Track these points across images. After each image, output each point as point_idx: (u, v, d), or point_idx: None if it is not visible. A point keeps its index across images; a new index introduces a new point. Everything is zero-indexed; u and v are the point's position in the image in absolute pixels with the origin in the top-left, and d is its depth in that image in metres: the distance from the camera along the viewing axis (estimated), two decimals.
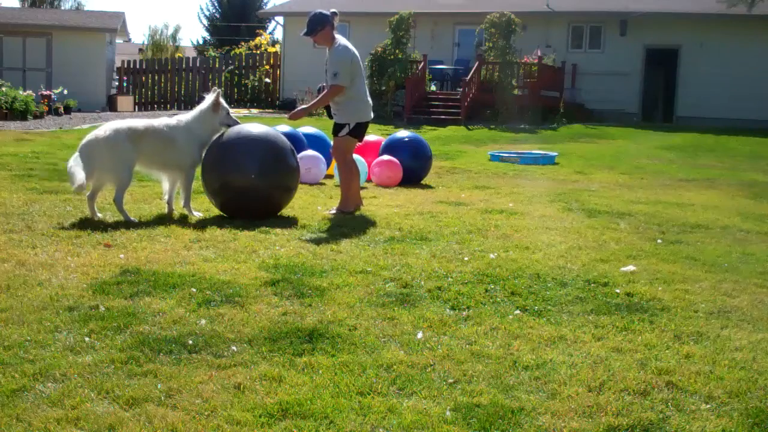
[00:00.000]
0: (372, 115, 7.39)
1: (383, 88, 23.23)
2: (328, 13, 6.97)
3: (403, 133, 10.41)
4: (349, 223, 6.74)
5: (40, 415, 2.90)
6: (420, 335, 3.92)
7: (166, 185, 6.92)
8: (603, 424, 3.01)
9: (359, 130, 7.24)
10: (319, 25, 6.93)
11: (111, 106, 25.42)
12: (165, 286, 4.48)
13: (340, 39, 7.07)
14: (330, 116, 7.43)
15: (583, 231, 6.79)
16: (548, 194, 9.24)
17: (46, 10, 38.77)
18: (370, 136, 10.97)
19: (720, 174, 12.59)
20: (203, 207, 7.10)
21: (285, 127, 10.08)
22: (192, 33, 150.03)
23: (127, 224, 6.23)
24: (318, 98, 7.29)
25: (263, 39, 32.75)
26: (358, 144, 7.55)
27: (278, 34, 35.99)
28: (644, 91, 25.39)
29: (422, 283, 4.83)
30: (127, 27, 29.83)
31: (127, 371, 3.32)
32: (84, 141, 6.49)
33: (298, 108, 7.43)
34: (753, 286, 5.11)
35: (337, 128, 7.24)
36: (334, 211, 7.20)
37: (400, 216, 7.12)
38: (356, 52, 7.12)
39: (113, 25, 27.03)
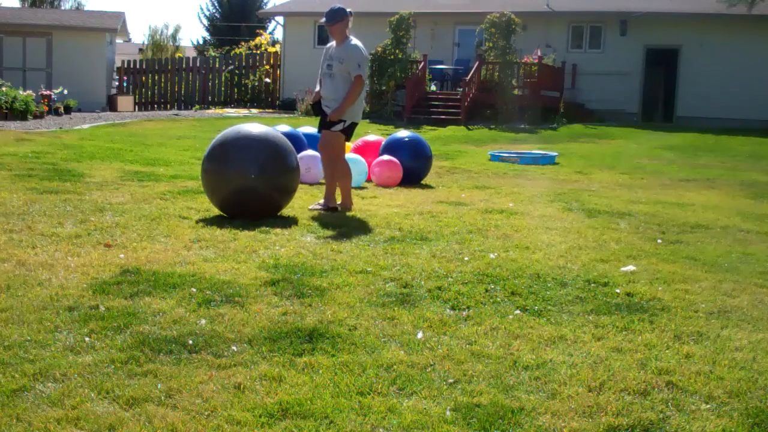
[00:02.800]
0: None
1: (383, 88, 23.24)
2: (348, 10, 7.23)
3: (403, 133, 10.40)
4: (349, 223, 6.74)
5: (40, 415, 2.90)
6: (420, 335, 3.92)
7: None
8: (603, 424, 3.01)
9: (351, 130, 7.38)
10: (339, 17, 7.15)
11: (111, 106, 25.43)
12: (165, 286, 4.48)
13: (355, 39, 7.26)
14: (317, 113, 7.43)
15: (583, 231, 6.79)
16: (548, 194, 9.24)
17: (46, 10, 38.77)
18: (370, 136, 10.99)
19: (720, 174, 12.59)
20: (203, 207, 7.10)
21: (285, 127, 10.10)
22: (192, 33, 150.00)
23: (127, 224, 6.22)
24: (348, 93, 7.11)
25: (263, 39, 32.74)
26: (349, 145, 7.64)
27: (278, 34, 36.01)
28: (644, 91, 25.38)
29: (422, 283, 4.83)
30: (127, 27, 29.84)
31: (127, 371, 3.32)
32: None
33: (336, 108, 7.17)
34: (753, 286, 5.11)
35: (329, 123, 7.27)
36: (318, 207, 7.32)
37: (400, 216, 7.12)
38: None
39: (113, 25, 27.03)
